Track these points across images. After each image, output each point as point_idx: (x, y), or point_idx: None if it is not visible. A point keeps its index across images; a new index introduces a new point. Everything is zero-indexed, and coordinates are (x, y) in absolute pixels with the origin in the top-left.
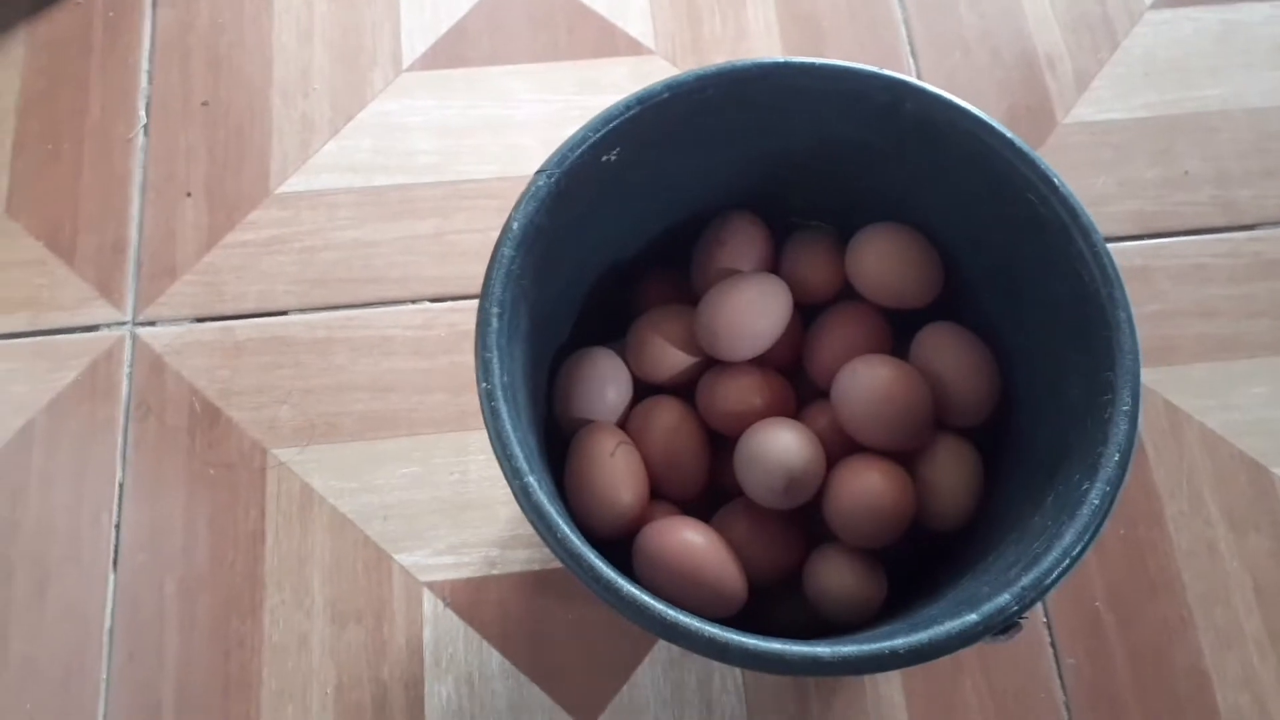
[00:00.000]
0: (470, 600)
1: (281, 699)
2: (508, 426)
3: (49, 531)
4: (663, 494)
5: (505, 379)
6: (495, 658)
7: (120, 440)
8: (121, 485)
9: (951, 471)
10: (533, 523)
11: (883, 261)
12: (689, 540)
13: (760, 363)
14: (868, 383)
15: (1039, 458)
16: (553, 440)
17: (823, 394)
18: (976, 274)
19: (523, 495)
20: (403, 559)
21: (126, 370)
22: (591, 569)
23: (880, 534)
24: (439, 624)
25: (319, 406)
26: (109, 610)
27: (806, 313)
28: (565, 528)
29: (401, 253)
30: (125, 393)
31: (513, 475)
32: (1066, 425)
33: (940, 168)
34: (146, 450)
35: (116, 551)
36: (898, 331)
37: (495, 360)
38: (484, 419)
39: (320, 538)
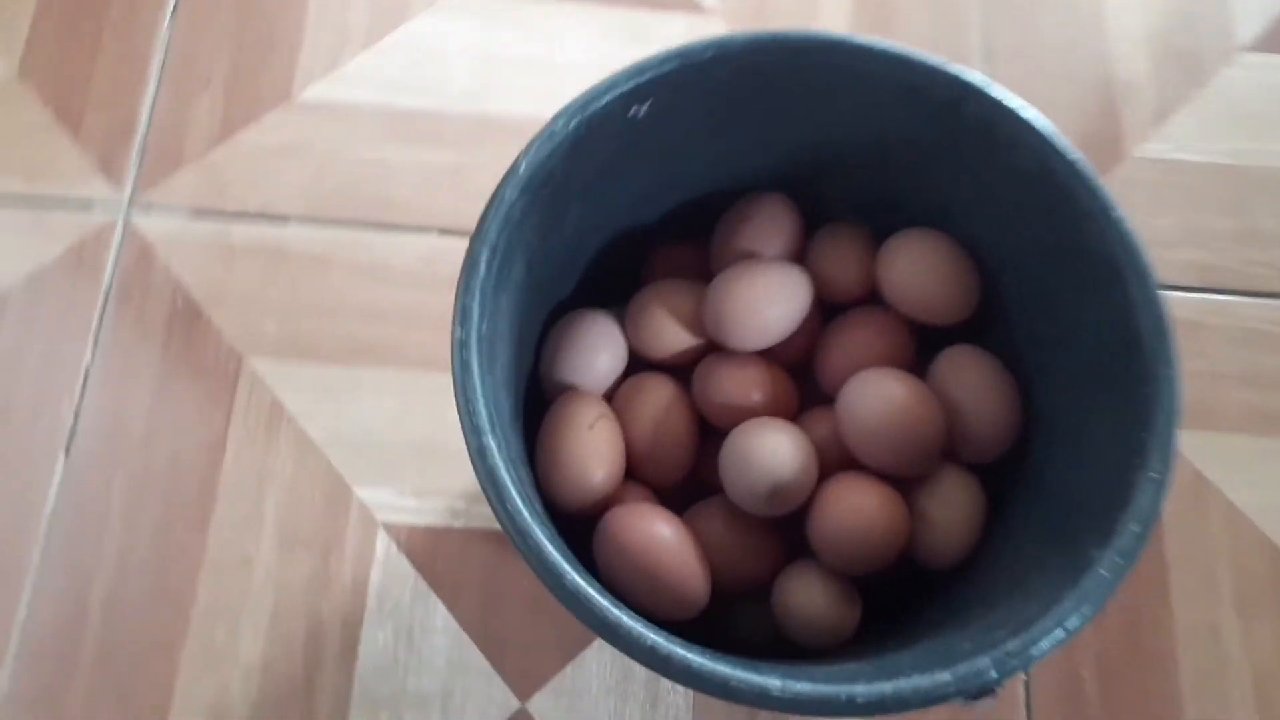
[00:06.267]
0: (425, 549)
1: (212, 618)
2: (475, 381)
3: (5, 405)
4: (639, 476)
5: (484, 328)
6: (441, 612)
7: (95, 323)
8: (88, 370)
9: (953, 507)
10: (484, 487)
11: (916, 270)
12: (656, 533)
13: (767, 356)
14: (877, 397)
15: (1048, 510)
16: (535, 402)
17: (829, 401)
18: (1013, 299)
19: (478, 456)
20: (364, 494)
21: (114, 253)
22: (537, 548)
23: (864, 561)
24: (389, 567)
25: (305, 323)
26: (53, 492)
27: (828, 313)
28: (518, 499)
29: (418, 180)
30: (108, 276)
31: (471, 432)
32: (1085, 480)
33: (993, 178)
34: (120, 337)
35: (71, 435)
36: (920, 347)
37: (476, 308)
38: (452, 369)
39: (282, 459)
